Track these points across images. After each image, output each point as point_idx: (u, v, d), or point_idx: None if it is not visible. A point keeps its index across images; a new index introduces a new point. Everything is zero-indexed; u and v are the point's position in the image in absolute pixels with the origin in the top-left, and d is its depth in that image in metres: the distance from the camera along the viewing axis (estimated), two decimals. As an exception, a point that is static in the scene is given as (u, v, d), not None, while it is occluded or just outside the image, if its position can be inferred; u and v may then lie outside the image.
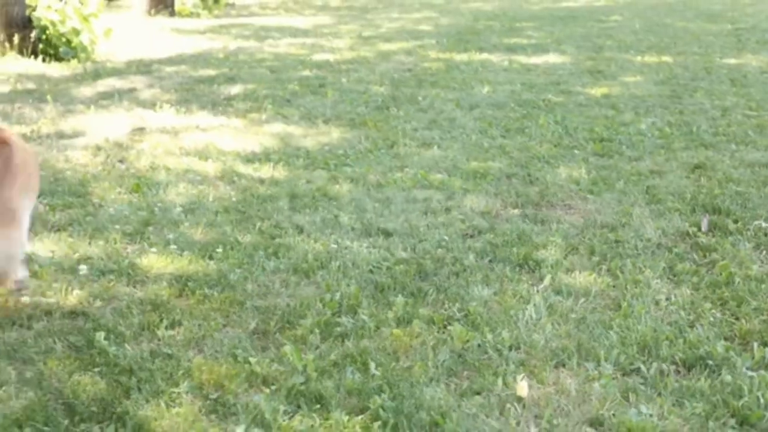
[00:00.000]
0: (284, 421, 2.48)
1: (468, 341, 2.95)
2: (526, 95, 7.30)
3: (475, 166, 5.10)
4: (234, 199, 4.56)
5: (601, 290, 3.38)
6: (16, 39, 9.37)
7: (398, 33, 12.22)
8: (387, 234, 4.01)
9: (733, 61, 9.10)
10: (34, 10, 9.63)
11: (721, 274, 3.48)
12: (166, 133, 6.11)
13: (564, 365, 2.81)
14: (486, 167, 5.08)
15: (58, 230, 4.04)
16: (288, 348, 2.87)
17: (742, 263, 3.60)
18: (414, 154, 5.44)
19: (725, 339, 2.97)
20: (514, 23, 13.17)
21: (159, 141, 5.84)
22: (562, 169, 5.05)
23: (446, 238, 3.94)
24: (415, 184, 4.78)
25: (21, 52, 9.38)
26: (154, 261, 3.68)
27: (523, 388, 2.64)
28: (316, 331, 3.02)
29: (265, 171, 5.10)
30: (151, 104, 7.05)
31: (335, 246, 3.84)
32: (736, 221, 4.10)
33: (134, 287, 3.44)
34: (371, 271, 3.58)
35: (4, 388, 2.67)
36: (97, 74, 8.63)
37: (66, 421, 2.50)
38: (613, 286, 3.42)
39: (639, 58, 9.35)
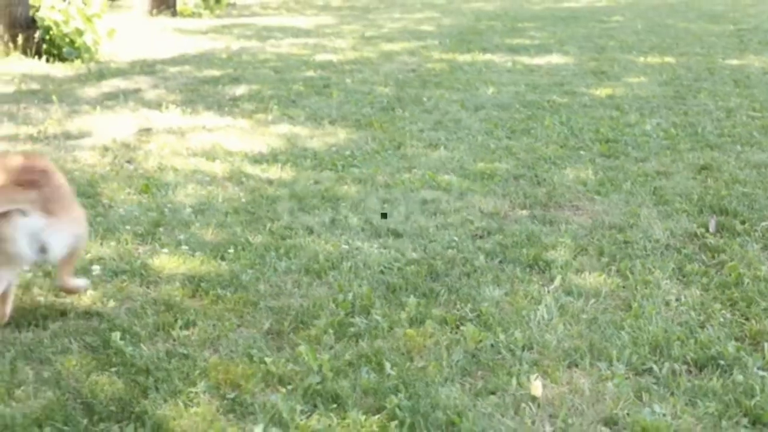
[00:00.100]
0: (302, 420, 2.51)
1: (481, 341, 2.97)
2: (530, 96, 7.32)
3: (482, 167, 5.13)
4: (243, 199, 4.58)
5: (611, 291, 3.41)
6: (19, 39, 9.40)
7: (400, 33, 12.25)
8: (397, 235, 4.03)
9: (735, 62, 9.13)
10: (37, 10, 9.66)
11: (730, 274, 3.51)
12: (172, 133, 6.14)
13: (577, 365, 2.84)
14: (493, 168, 5.11)
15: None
16: (303, 348, 2.89)
17: (751, 264, 3.63)
18: (421, 155, 5.46)
19: (736, 339, 3.00)
20: (516, 23, 13.19)
21: (166, 141, 5.87)
22: (568, 170, 5.08)
23: (456, 238, 3.97)
24: (423, 185, 4.81)
25: (25, 53, 9.40)
26: (166, 261, 3.71)
27: (537, 387, 2.67)
28: (330, 331, 3.05)
29: (273, 172, 5.12)
30: (157, 105, 7.07)
31: (346, 247, 3.87)
32: (743, 222, 4.13)
33: (147, 287, 3.46)
34: (382, 272, 3.60)
35: (22, 387, 2.69)
36: (101, 75, 8.65)
37: (85, 421, 2.52)
38: (623, 287, 3.44)
39: (642, 58, 9.37)
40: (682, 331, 3.04)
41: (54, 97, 7.23)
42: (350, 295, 3.33)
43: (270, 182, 4.92)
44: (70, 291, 3.26)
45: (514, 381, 2.71)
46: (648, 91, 7.49)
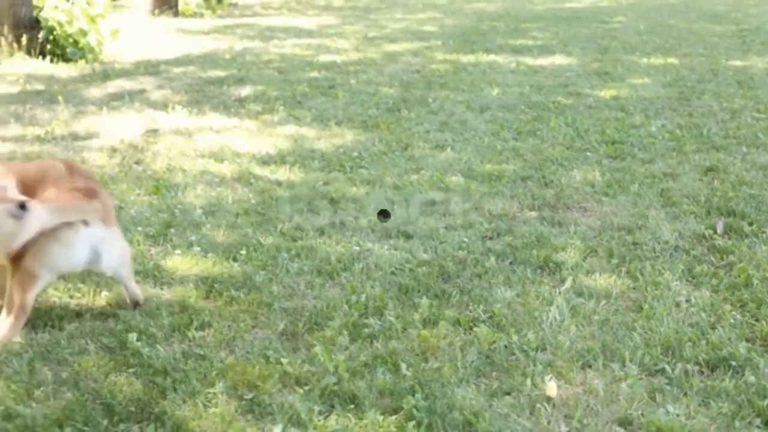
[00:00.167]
0: (320, 420, 2.53)
1: (494, 342, 3.00)
2: (535, 97, 7.35)
3: (490, 169, 5.15)
4: (253, 201, 4.60)
5: (621, 292, 3.44)
6: (24, 40, 9.41)
7: (403, 34, 12.27)
8: (407, 236, 4.06)
9: (738, 63, 9.16)
10: (41, 10, 9.67)
11: (739, 276, 3.54)
12: (179, 134, 6.16)
13: (590, 366, 2.86)
14: (500, 170, 5.13)
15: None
16: (318, 349, 2.92)
17: (760, 266, 3.66)
18: (428, 156, 5.49)
19: (747, 340, 3.03)
20: (519, 24, 13.22)
21: (173, 142, 5.89)
22: (576, 172, 5.10)
23: (466, 240, 3.99)
24: (432, 186, 4.84)
25: (29, 53, 9.41)
26: (179, 263, 3.73)
27: (552, 388, 2.69)
28: (345, 332, 3.07)
29: (282, 173, 5.15)
30: (163, 106, 7.09)
31: (357, 248, 3.89)
32: (751, 224, 4.16)
33: (161, 289, 3.49)
34: (393, 273, 3.63)
35: (41, 388, 2.72)
36: (106, 75, 8.67)
37: (105, 421, 2.55)
38: (634, 288, 3.47)
39: (645, 59, 9.40)
40: (694, 332, 3.07)
41: (60, 98, 7.25)
42: (363, 297, 3.35)
43: (279, 183, 4.94)
44: (138, 300, 3.30)
45: (528, 382, 2.74)
46: (652, 93, 7.52)
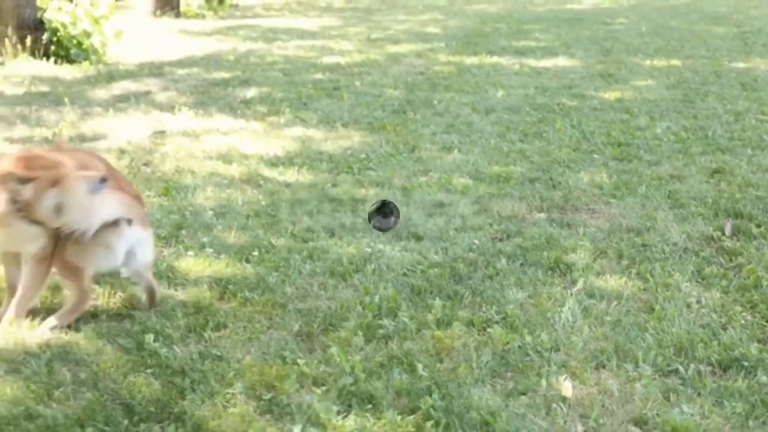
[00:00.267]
0: (338, 421, 2.56)
1: (508, 343, 3.03)
2: (540, 99, 7.38)
3: (498, 171, 5.18)
4: (263, 202, 4.63)
5: (632, 293, 3.47)
6: (28, 41, 9.42)
7: (406, 35, 12.30)
8: (418, 238, 4.09)
9: (741, 64, 9.20)
10: (45, 12, 9.69)
11: (748, 277, 3.57)
12: (186, 136, 6.18)
13: (604, 366, 2.89)
14: (508, 171, 5.16)
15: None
16: (334, 350, 2.94)
17: (769, 267, 3.69)
18: (435, 158, 5.52)
19: (758, 341, 3.06)
20: (521, 25, 13.26)
21: (181, 144, 5.91)
22: (583, 174, 5.14)
23: (476, 241, 4.02)
24: (440, 188, 4.86)
25: (33, 54, 9.43)
26: (192, 264, 3.75)
27: (567, 388, 2.72)
28: (360, 333, 3.10)
29: (290, 175, 5.17)
30: (169, 107, 7.11)
31: (368, 249, 3.92)
32: (758, 226, 4.19)
33: (175, 290, 3.51)
34: (405, 275, 3.66)
35: (60, 389, 2.74)
36: (110, 76, 8.69)
37: (126, 421, 2.57)
38: (644, 290, 3.51)
39: (648, 61, 9.44)
40: (705, 333, 3.10)
41: (65, 99, 7.27)
42: (376, 298, 3.38)
43: (288, 185, 4.97)
44: (155, 294, 3.34)
45: (543, 382, 2.77)
46: (656, 95, 7.56)
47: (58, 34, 9.58)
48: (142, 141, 5.99)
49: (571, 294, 3.45)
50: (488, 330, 3.13)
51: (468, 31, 12.63)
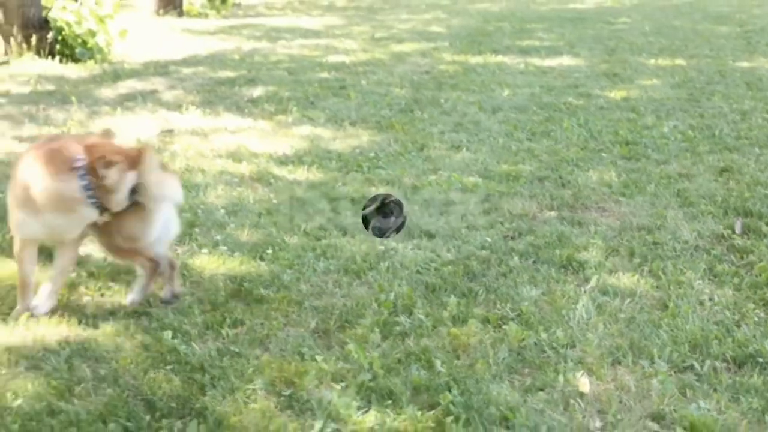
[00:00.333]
0: (359, 416, 2.58)
1: (524, 340, 3.05)
2: (546, 98, 7.40)
3: (507, 169, 5.20)
4: (274, 201, 4.65)
5: (645, 291, 3.49)
6: (33, 40, 9.43)
7: (409, 34, 12.31)
8: (430, 236, 4.11)
9: (745, 64, 9.22)
10: (50, 11, 9.71)
11: (760, 275, 3.59)
12: (195, 134, 6.20)
13: (620, 363, 2.92)
14: (517, 170, 5.18)
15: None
16: (352, 346, 2.97)
17: (780, 265, 3.71)
18: (444, 157, 5.54)
19: (772, 338, 3.09)
20: (524, 25, 13.27)
21: (190, 143, 5.93)
22: (592, 173, 5.16)
23: (488, 239, 4.04)
24: (450, 186, 4.88)
25: (38, 53, 9.44)
26: (206, 262, 3.78)
27: (584, 384, 2.75)
28: (376, 330, 3.12)
29: (300, 173, 5.19)
30: (176, 106, 7.13)
31: (381, 247, 3.94)
32: (768, 224, 4.22)
33: (191, 287, 3.53)
34: (419, 272, 3.68)
35: (82, 385, 2.77)
36: (116, 75, 8.71)
37: (147, 417, 2.59)
38: (657, 287, 3.53)
39: (652, 61, 9.46)
40: (719, 330, 3.13)
41: (73, 98, 7.29)
42: (391, 295, 3.40)
43: (298, 183, 4.99)
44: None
45: (560, 378, 2.79)
46: (662, 94, 7.58)
47: (63, 33, 9.60)
48: (151, 140, 6.01)
49: (585, 291, 3.47)
50: (504, 327, 3.16)
51: (471, 30, 12.64)
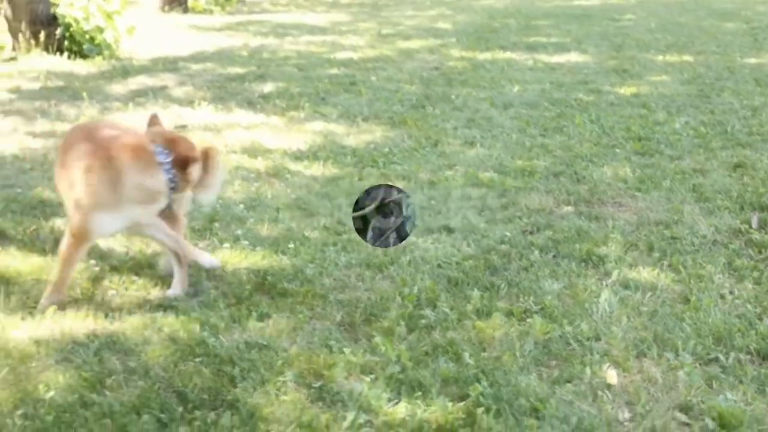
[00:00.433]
0: (389, 408, 2.61)
1: (548, 333, 3.08)
2: (556, 94, 7.42)
3: (522, 165, 5.23)
4: (293, 196, 4.67)
5: (666, 285, 3.51)
6: (41, 36, 9.45)
7: (416, 31, 12.33)
8: (449, 231, 4.13)
9: (753, 60, 9.24)
10: (58, 7, 9.72)
11: (779, 269, 3.62)
12: (208, 130, 6.22)
13: (645, 355, 2.94)
14: (532, 165, 5.21)
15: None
16: (379, 339, 2.99)
17: (799, 259, 3.74)
18: (459, 153, 5.56)
19: (794, 331, 3.11)
20: (530, 21, 13.29)
21: (203, 139, 5.94)
22: (606, 168, 5.18)
23: (507, 234, 4.07)
24: (467, 182, 4.91)
25: (46, 49, 9.46)
26: (228, 256, 3.80)
27: (612, 376, 2.78)
28: (402, 323, 3.15)
29: (316, 168, 5.21)
30: (188, 102, 7.15)
31: (402, 242, 3.96)
32: (785, 218, 4.24)
33: (214, 281, 3.56)
34: (440, 266, 3.70)
35: (113, 377, 2.79)
36: (125, 72, 8.72)
37: (180, 408, 2.61)
38: (678, 281, 3.55)
39: (660, 57, 9.47)
40: (742, 323, 3.15)
41: (84, 94, 7.30)
42: (415, 289, 3.43)
43: (315, 179, 5.01)
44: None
45: (588, 370, 2.82)
46: (672, 90, 7.60)
47: (71, 29, 9.61)
48: (165, 135, 6.02)
49: (606, 285, 3.49)
50: (528, 320, 3.18)
51: (477, 27, 12.65)
